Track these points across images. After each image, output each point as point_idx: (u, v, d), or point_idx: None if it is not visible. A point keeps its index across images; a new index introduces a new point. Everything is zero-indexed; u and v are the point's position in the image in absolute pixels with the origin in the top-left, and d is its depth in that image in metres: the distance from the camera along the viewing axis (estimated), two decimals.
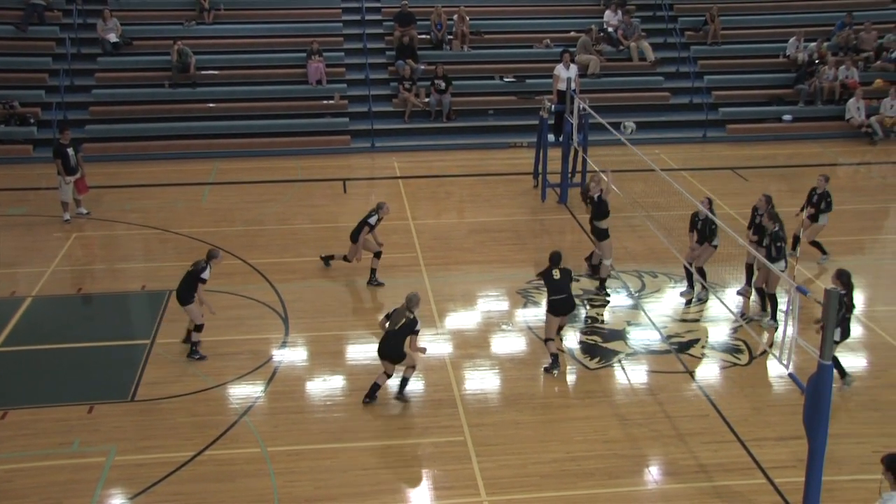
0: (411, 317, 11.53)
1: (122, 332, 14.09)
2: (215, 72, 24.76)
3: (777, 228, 13.39)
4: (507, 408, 11.80)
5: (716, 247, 14.47)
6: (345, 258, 15.42)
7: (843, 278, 11.85)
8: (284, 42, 25.67)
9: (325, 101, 24.27)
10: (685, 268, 14.62)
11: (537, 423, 11.43)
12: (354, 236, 15.15)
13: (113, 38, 24.61)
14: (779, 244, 13.34)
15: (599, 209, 15.03)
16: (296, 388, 12.24)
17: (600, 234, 14.97)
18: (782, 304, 13.00)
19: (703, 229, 14.45)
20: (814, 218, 15.86)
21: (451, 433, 11.21)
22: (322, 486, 10.22)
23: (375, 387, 11.72)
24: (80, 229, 17.97)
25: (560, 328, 12.96)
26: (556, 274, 12.44)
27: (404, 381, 11.85)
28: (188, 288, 12.70)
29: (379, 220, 15.16)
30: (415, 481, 10.38)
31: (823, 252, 16.01)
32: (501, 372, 12.76)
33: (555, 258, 12.56)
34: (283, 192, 20.21)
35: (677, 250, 14.33)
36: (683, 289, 14.92)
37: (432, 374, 12.56)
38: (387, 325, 11.65)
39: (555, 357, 12.50)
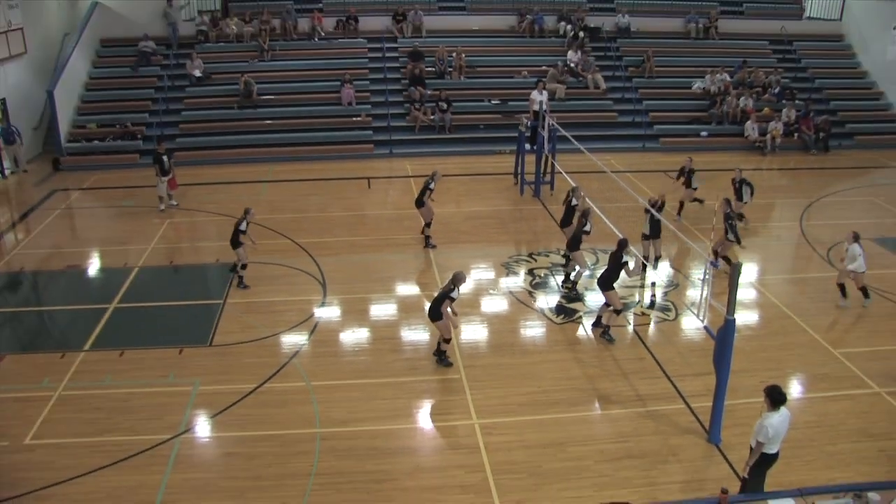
0: (451, 287, 11.08)
1: (201, 294, 14.10)
2: (272, 97, 24.53)
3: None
4: (493, 353, 11.83)
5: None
6: (426, 226, 15.64)
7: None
8: (324, 73, 25.42)
9: (354, 119, 24.09)
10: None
11: (516, 364, 11.47)
12: (419, 202, 15.28)
13: (198, 73, 24.45)
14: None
15: (567, 215, 14.68)
16: (332, 338, 12.27)
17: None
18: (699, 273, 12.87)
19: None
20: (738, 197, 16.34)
21: (450, 372, 11.25)
22: (352, 412, 10.28)
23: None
24: (171, 217, 17.91)
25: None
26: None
27: (439, 348, 11.33)
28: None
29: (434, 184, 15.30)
30: (422, 408, 10.44)
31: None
32: (489, 325, 12.78)
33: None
34: (321, 188, 20.11)
35: (622, 232, 14.28)
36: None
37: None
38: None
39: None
